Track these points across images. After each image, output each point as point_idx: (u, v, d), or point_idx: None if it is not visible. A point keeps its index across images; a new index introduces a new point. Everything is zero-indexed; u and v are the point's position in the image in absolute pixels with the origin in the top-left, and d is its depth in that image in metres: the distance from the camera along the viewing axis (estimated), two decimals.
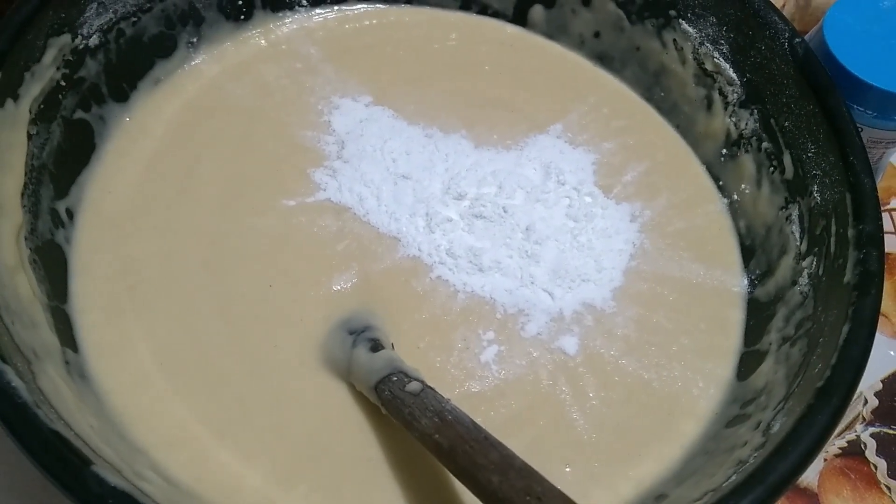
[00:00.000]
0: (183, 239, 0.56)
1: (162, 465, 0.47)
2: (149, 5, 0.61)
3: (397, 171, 0.60)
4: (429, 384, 0.48)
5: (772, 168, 0.61)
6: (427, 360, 0.53)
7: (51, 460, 0.38)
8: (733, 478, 0.44)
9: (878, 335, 0.48)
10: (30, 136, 0.53)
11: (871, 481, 0.61)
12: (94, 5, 0.57)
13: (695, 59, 0.66)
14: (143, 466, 0.45)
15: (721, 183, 0.65)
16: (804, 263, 0.56)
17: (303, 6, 0.70)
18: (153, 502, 0.40)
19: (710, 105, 0.65)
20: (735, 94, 0.64)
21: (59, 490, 0.38)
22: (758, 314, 0.58)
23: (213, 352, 0.52)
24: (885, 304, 0.60)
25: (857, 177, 0.53)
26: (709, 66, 0.65)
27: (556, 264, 0.58)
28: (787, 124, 0.60)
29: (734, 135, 0.64)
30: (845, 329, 0.48)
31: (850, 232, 0.52)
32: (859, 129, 0.56)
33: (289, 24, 0.69)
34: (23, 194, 0.51)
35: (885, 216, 0.68)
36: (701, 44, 0.65)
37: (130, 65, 0.61)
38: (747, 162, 0.63)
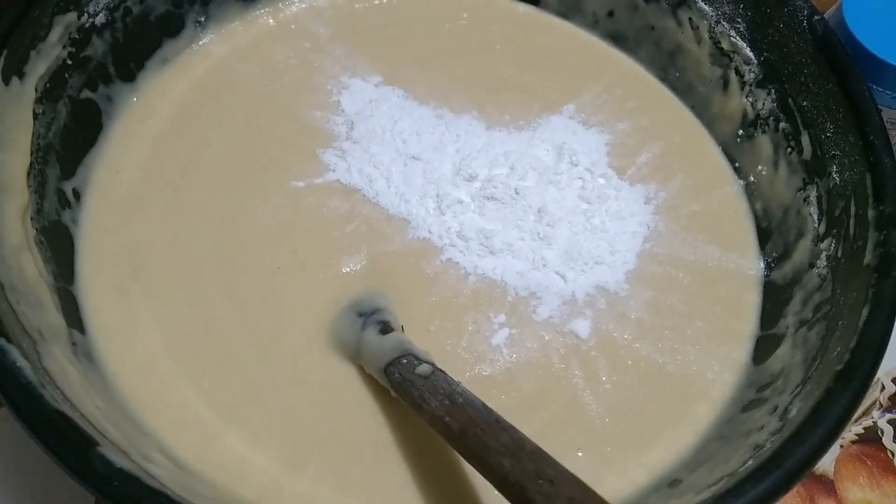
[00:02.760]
0: (190, 220, 0.56)
1: (169, 448, 0.47)
2: None
3: (407, 152, 0.60)
4: (439, 367, 0.47)
5: (789, 149, 0.60)
6: (437, 343, 0.53)
7: (56, 441, 0.38)
8: (749, 462, 0.44)
9: None
10: (35, 115, 0.52)
11: (888, 468, 0.60)
12: None
13: (711, 37, 0.64)
14: (150, 448, 0.45)
15: (737, 164, 0.64)
16: (822, 245, 0.55)
17: None
18: (159, 484, 0.39)
19: (726, 85, 0.64)
20: (752, 74, 0.62)
21: (64, 471, 0.38)
22: (774, 297, 0.57)
23: (220, 334, 0.52)
24: None
25: (877, 157, 0.52)
26: (725, 45, 0.64)
27: (568, 247, 0.57)
28: (805, 104, 0.59)
29: (751, 115, 0.63)
30: (865, 311, 0.47)
31: (871, 213, 0.51)
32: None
33: (297, 3, 0.68)
34: (29, 174, 0.51)
35: None
36: (717, 22, 0.64)
37: (137, 44, 0.61)
38: (764, 143, 0.62)
